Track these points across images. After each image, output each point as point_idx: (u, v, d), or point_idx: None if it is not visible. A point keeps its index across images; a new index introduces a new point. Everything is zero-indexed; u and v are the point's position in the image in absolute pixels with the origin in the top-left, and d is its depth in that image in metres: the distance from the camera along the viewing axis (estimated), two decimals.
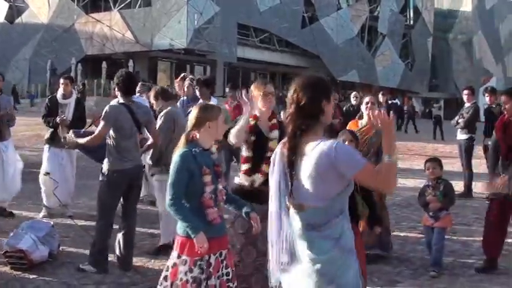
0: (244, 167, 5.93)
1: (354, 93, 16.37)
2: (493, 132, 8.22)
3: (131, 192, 7.54)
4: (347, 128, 7.99)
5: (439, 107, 37.13)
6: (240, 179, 5.97)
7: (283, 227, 3.75)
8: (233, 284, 4.97)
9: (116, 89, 7.59)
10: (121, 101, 7.44)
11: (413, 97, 64.29)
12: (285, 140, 3.81)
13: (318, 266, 3.65)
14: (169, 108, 8.49)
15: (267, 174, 5.66)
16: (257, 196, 5.59)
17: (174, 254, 4.83)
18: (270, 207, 3.85)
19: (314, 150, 3.62)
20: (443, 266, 7.94)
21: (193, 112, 4.99)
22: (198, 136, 4.88)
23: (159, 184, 8.39)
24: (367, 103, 8.10)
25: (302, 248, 3.72)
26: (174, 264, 4.78)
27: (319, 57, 51.78)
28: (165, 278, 4.81)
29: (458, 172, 14.51)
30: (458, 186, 13.84)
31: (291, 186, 3.72)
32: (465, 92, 14.13)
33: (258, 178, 5.85)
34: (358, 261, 3.80)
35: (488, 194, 12.62)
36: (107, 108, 7.39)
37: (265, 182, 5.69)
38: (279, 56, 50.87)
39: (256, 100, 6.00)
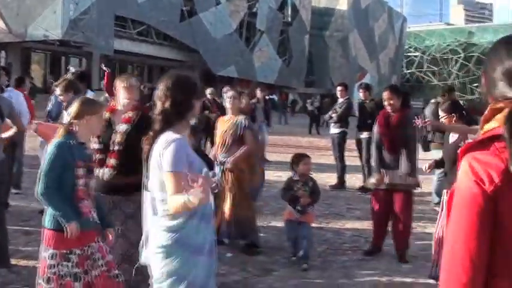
0: (97, 157, 5.88)
1: (225, 88, 16.37)
2: (375, 127, 8.51)
3: None
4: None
5: (311, 102, 37.97)
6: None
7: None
8: (113, 271, 4.97)
9: None
10: None
11: (290, 92, 65.53)
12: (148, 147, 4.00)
13: (154, 250, 3.96)
14: None
15: (114, 167, 5.80)
16: (108, 188, 5.76)
17: (42, 248, 4.79)
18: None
19: (158, 143, 3.87)
20: (316, 253, 8.22)
21: (75, 104, 4.97)
22: (76, 129, 4.86)
23: None
24: (229, 97, 8.52)
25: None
26: (44, 259, 4.75)
27: (198, 52, 51.77)
28: (40, 273, 4.78)
29: (332, 165, 14.97)
30: (332, 178, 14.32)
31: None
32: (339, 88, 14.56)
33: (106, 172, 5.86)
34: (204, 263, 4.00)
35: (362, 185, 13.21)
36: None
37: (116, 176, 5.80)
38: (156, 49, 50.40)
39: (119, 93, 6.04)
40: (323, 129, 29.60)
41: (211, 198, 3.90)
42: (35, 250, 8.00)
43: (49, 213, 4.78)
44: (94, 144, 5.84)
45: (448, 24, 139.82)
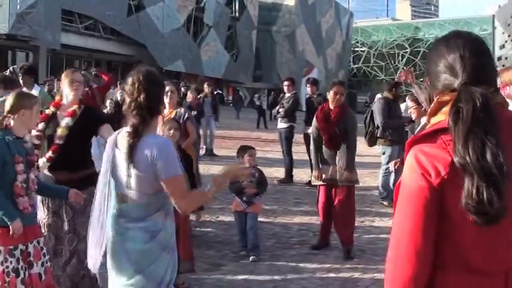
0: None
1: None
2: (314, 122, 8.56)
3: None
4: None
5: (258, 97, 38.09)
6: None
7: (104, 214, 3.90)
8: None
9: None
10: None
11: (238, 87, 65.54)
12: (124, 130, 3.91)
13: (131, 255, 3.82)
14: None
15: (50, 158, 5.78)
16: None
17: None
18: (96, 194, 3.96)
19: (143, 145, 3.75)
20: (265, 248, 8.25)
21: (9, 99, 4.94)
22: (11, 124, 4.82)
23: None
24: (166, 92, 8.55)
25: (117, 236, 3.86)
26: None
27: (145, 46, 51.36)
28: None
29: (280, 159, 15.02)
30: (280, 172, 14.37)
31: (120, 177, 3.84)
32: (285, 83, 14.57)
33: (43, 162, 5.81)
34: (174, 259, 3.97)
35: (310, 180, 13.30)
36: None
37: (52, 167, 5.81)
38: (104, 43, 49.81)
39: (64, 87, 6.01)
40: (271, 124, 29.73)
41: None
42: None
43: None
44: (36, 140, 5.79)
45: (395, 19, 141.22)
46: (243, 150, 8.33)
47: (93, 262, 4.03)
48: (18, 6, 40.32)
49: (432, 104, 2.24)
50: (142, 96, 3.81)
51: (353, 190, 8.28)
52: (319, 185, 8.38)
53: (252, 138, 25.26)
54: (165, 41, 53.08)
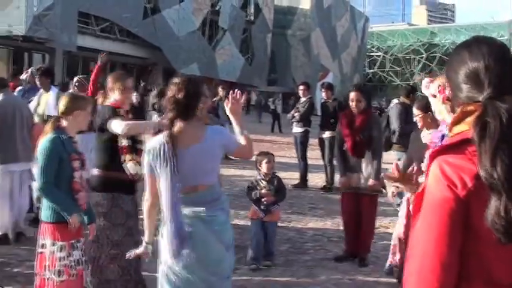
0: (129, 157, 5.78)
1: None
2: (337, 130, 8.42)
3: None
4: None
5: (273, 101, 38.02)
6: (129, 167, 5.77)
7: (179, 210, 4.17)
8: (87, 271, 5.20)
9: None
10: None
11: (253, 91, 65.57)
12: (169, 131, 4.26)
13: (220, 235, 4.38)
14: (1, 97, 8.31)
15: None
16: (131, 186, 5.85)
17: (48, 242, 4.88)
18: (165, 193, 4.16)
19: (204, 134, 4.33)
20: (279, 252, 8.22)
21: (63, 100, 5.13)
22: (64, 124, 5.01)
23: None
24: None
25: (200, 225, 4.26)
26: (52, 253, 4.84)
27: (160, 49, 51.46)
28: (45, 267, 4.87)
29: (295, 164, 15.01)
30: (295, 176, 14.34)
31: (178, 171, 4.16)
32: (301, 87, 14.57)
33: (139, 169, 5.76)
34: None
35: (325, 185, 13.31)
36: None
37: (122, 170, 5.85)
38: (119, 45, 49.88)
39: (113, 92, 5.94)
40: (285, 128, 29.70)
41: None
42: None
43: (48, 207, 4.90)
44: (123, 140, 5.77)
45: (411, 24, 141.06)
46: (261, 157, 8.12)
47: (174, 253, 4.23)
48: (35, 8, 40.50)
49: (455, 114, 2.20)
50: (181, 94, 4.28)
51: (375, 199, 8.17)
52: (343, 193, 8.29)
53: (266, 141, 25.26)
54: (181, 44, 53.18)
